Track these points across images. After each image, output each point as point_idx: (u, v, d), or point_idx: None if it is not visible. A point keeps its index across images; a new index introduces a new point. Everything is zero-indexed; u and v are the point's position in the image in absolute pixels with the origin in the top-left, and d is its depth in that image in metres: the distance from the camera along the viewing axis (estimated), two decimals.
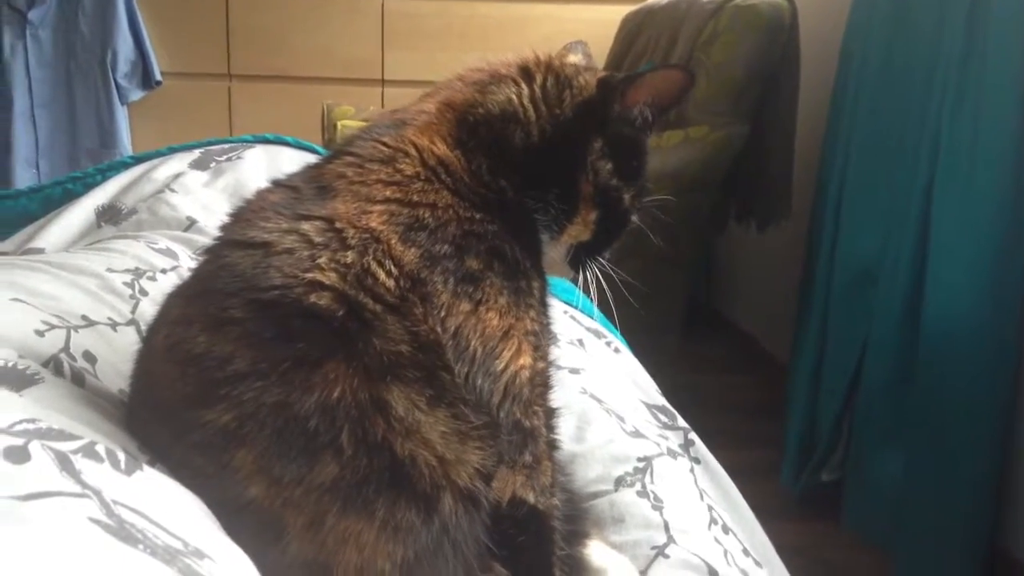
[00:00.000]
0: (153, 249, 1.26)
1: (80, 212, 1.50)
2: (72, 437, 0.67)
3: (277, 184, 0.88)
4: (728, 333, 3.74)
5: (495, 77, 0.94)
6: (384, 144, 0.87)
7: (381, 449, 0.73)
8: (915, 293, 2.24)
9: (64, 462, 0.62)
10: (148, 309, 1.08)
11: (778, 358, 3.21)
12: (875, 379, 2.39)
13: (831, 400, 2.56)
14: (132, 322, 1.06)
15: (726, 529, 1.08)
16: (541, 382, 0.84)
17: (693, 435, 1.29)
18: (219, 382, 0.73)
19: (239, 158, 1.63)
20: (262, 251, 0.77)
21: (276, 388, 0.72)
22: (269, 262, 0.76)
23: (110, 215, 1.48)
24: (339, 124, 2.90)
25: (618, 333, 1.56)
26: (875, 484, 2.33)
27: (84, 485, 0.60)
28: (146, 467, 0.69)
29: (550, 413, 0.86)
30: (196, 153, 1.66)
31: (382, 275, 0.77)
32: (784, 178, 2.98)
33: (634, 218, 0.97)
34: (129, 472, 0.67)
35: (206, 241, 1.36)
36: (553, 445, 0.85)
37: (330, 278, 0.76)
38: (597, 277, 0.96)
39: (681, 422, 1.30)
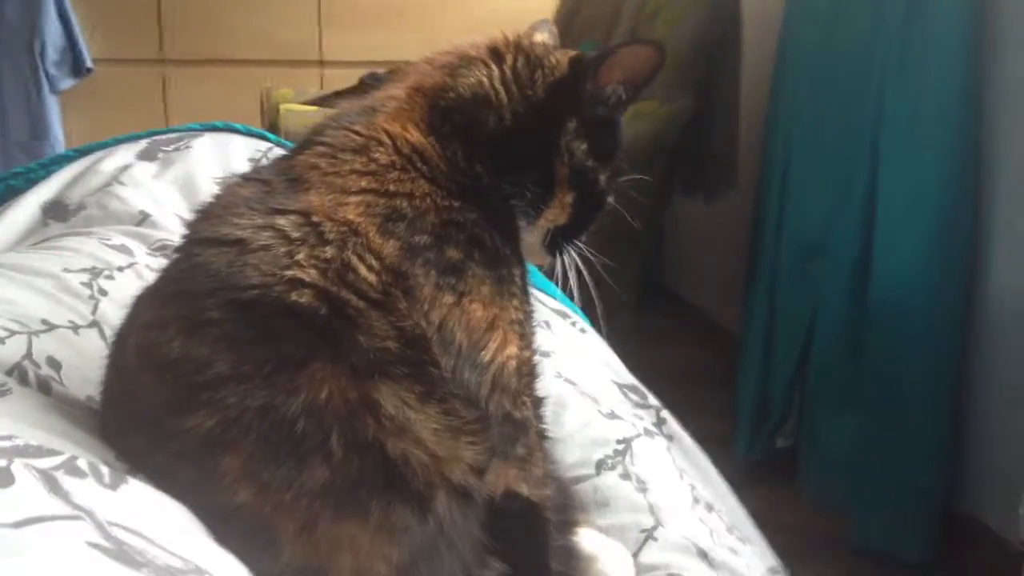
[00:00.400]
0: (107, 246, 1.22)
1: (24, 209, 1.44)
2: (52, 453, 0.64)
3: (246, 177, 0.85)
4: (676, 306, 3.76)
5: (464, 59, 0.91)
6: (356, 133, 0.85)
7: (372, 450, 0.71)
8: (862, 262, 2.27)
9: (50, 482, 0.59)
10: (109, 310, 1.05)
11: (727, 329, 3.24)
12: (825, 347, 2.43)
13: (782, 369, 2.59)
14: (94, 324, 1.02)
15: (709, 507, 1.08)
16: (528, 371, 0.83)
17: (665, 412, 1.29)
18: (199, 387, 0.71)
19: (188, 147, 1.58)
20: (237, 248, 0.75)
21: (260, 391, 0.70)
22: (245, 260, 0.74)
23: (57, 211, 1.43)
24: (281, 108, 2.85)
25: (581, 313, 1.55)
26: (829, 450, 2.37)
27: (75, 506, 0.57)
28: (130, 479, 0.67)
29: (538, 402, 0.85)
30: (142, 143, 1.61)
31: (363, 270, 0.75)
32: (729, 149, 3.00)
33: (610, 199, 0.96)
34: (115, 486, 0.65)
35: (161, 236, 1.33)
36: (543, 435, 0.84)
37: (310, 275, 0.73)
38: (576, 262, 0.94)
39: (652, 400, 1.30)
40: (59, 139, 3.82)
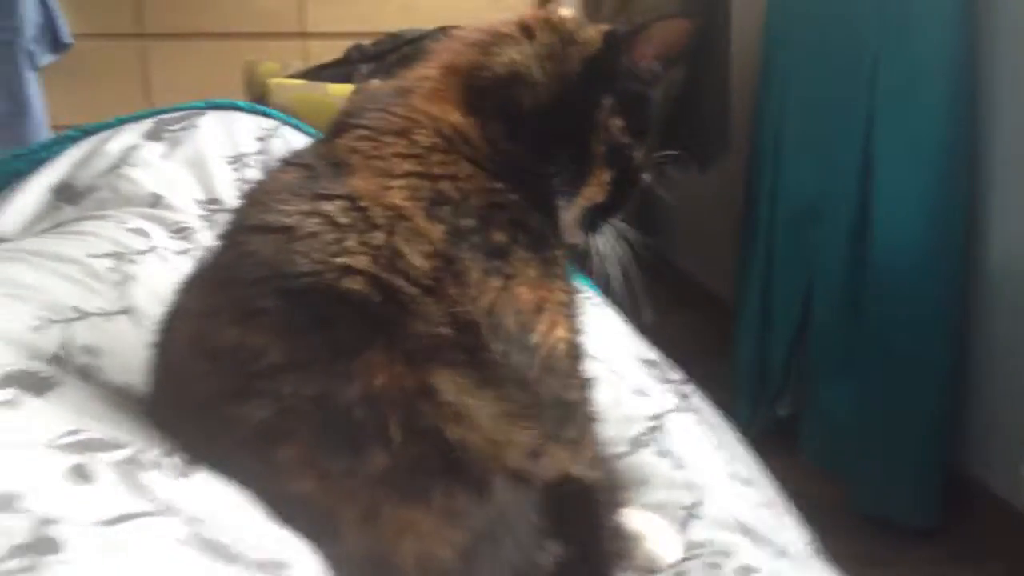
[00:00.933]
0: (126, 230, 1.21)
1: (33, 192, 1.41)
2: (118, 445, 0.64)
3: (287, 163, 0.84)
4: (667, 273, 3.76)
5: (496, 36, 0.90)
6: (395, 114, 0.84)
7: (431, 436, 0.71)
8: (860, 225, 2.27)
9: (127, 476, 0.59)
10: (138, 295, 1.04)
11: (719, 296, 3.25)
12: (824, 313, 2.43)
13: (780, 336, 2.60)
14: (125, 310, 1.01)
15: (746, 482, 1.08)
16: (576, 353, 0.83)
17: (688, 386, 1.29)
18: (254, 376, 0.71)
19: (194, 127, 1.55)
20: (284, 236, 0.74)
21: (316, 380, 0.70)
22: (294, 247, 0.73)
23: (67, 194, 1.40)
24: (272, 82, 2.80)
25: (595, 287, 1.54)
26: (829, 415, 2.38)
27: (159, 501, 0.56)
28: (196, 470, 0.66)
29: (587, 384, 0.84)
30: (147, 123, 1.57)
31: (413, 255, 0.74)
32: (721, 116, 2.98)
33: (645, 176, 0.95)
34: (184, 477, 0.64)
35: (178, 218, 1.32)
36: (592, 417, 0.84)
37: (361, 262, 0.73)
38: (613, 241, 0.93)
39: (674, 374, 1.30)
40: (41, 117, 3.75)
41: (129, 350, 0.90)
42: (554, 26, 0.91)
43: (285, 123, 1.66)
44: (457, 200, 0.79)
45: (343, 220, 0.75)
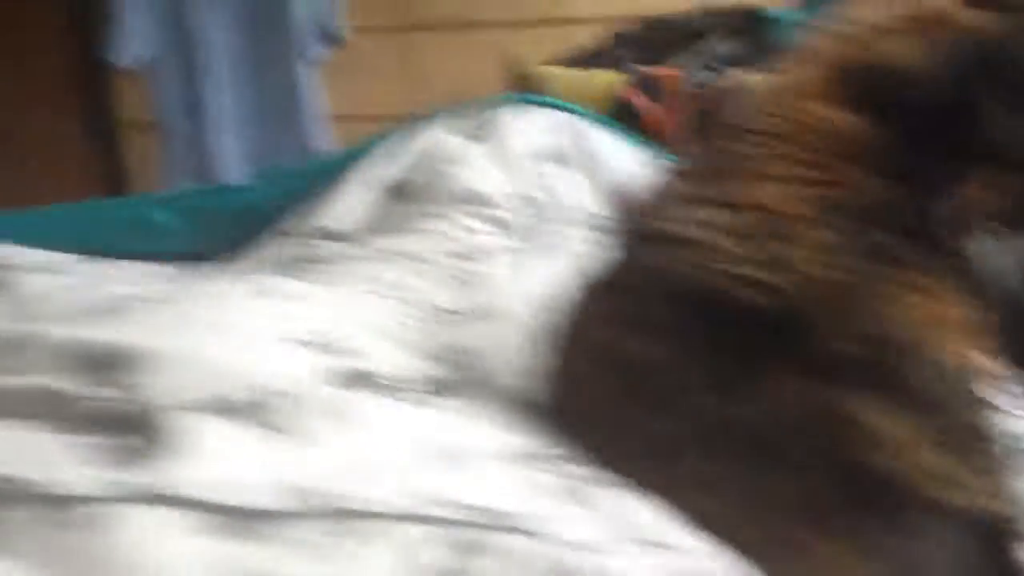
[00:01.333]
0: (459, 228, 1.24)
1: (357, 190, 1.46)
2: (547, 455, 0.64)
3: (673, 171, 0.84)
4: None
5: (879, 31, 0.85)
6: (780, 116, 0.81)
7: (845, 461, 0.67)
8: None
9: (577, 490, 0.59)
10: (487, 294, 1.06)
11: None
12: None
13: None
14: (483, 310, 1.03)
15: None
16: (976, 372, 0.77)
17: None
18: (654, 389, 0.70)
19: (499, 122, 1.57)
20: (677, 245, 0.74)
21: (716, 397, 0.68)
22: (688, 257, 0.73)
23: (393, 193, 1.45)
24: (545, 72, 2.82)
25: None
26: None
27: (617, 519, 0.56)
28: (617, 483, 0.66)
29: (988, 405, 0.78)
30: (452, 119, 1.61)
31: (810, 264, 0.71)
32: None
33: None
34: (617, 490, 0.64)
35: (504, 215, 1.34)
36: (995, 441, 0.78)
37: (758, 272, 0.71)
38: (1004, 249, 0.86)
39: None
40: (318, 111, 3.90)
41: (496, 350, 0.91)
42: (942, 17, 0.85)
43: (582, 116, 1.66)
44: (846, 204, 0.75)
45: (735, 229, 0.73)
